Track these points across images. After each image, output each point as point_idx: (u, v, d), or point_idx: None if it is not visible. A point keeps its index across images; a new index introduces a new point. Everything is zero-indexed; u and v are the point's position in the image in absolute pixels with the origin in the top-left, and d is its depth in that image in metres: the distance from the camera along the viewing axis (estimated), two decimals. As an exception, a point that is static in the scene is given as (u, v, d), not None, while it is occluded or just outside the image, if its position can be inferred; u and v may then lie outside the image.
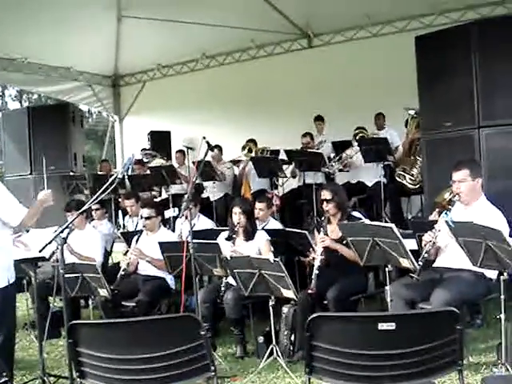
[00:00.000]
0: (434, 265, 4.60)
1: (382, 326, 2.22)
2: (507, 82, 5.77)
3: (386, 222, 6.71)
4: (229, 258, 4.72)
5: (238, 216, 5.39)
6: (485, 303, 5.05)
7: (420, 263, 4.24)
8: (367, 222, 4.76)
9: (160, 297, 5.80)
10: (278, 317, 4.94)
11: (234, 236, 5.37)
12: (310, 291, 4.75)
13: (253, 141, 8.96)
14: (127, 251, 5.95)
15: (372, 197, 7.60)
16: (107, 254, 7.31)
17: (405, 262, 4.21)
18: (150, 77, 12.49)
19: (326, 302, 4.81)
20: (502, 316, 3.76)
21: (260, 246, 5.39)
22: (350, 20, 9.56)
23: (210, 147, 5.01)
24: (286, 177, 8.36)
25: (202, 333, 2.41)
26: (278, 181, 8.52)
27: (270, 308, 4.63)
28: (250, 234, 5.42)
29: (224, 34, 9.60)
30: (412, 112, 7.12)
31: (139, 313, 5.34)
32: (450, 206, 4.54)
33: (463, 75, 5.98)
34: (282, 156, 8.68)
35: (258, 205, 5.98)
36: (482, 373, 4.16)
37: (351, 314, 2.80)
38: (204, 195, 8.68)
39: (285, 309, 4.99)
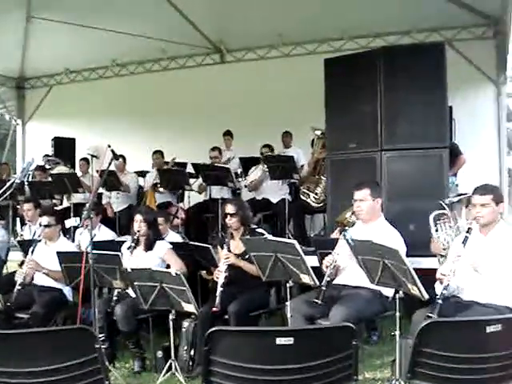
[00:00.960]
0: (334, 282, 4.69)
1: (280, 341, 2.22)
2: (409, 108, 6.02)
3: (289, 238, 6.79)
4: (129, 270, 4.60)
5: (138, 224, 5.27)
6: (381, 320, 5.19)
7: (323, 287, 4.29)
8: (270, 237, 4.77)
9: (56, 309, 5.51)
10: (179, 331, 4.87)
11: (134, 245, 5.24)
12: (214, 309, 4.69)
13: (160, 152, 8.84)
14: (23, 262, 5.67)
15: (276, 214, 7.70)
16: (2, 262, 6.95)
17: (305, 278, 4.25)
18: (57, 81, 12.05)
19: (227, 316, 4.78)
20: (397, 333, 3.86)
21: (162, 257, 5.30)
22: (263, 38, 9.70)
23: (115, 156, 4.89)
24: (193, 190, 8.30)
25: (97, 346, 2.32)
26: (184, 194, 8.46)
27: (170, 322, 4.55)
28: (150, 244, 5.32)
29: (136, 42, 9.45)
30: (318, 132, 7.27)
31: (33, 325, 5.07)
32: (350, 225, 4.68)
33: (369, 99, 6.18)
34: (190, 169, 8.64)
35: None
36: (377, 388, 4.25)
37: (249, 329, 2.78)
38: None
39: (185, 323, 4.91)
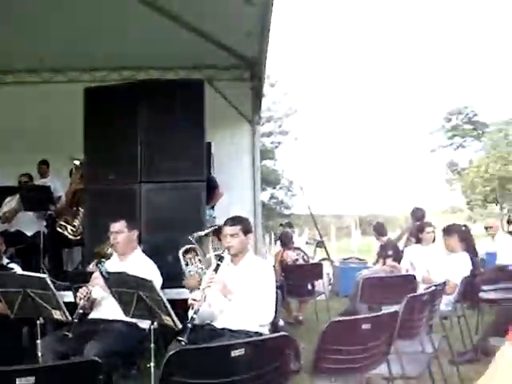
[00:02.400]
0: (90, 316, 4.55)
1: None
2: (169, 141, 6.15)
3: (43, 273, 6.43)
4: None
5: None
6: (141, 352, 5.12)
7: (75, 319, 4.12)
8: (20, 272, 4.46)
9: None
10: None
11: None
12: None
13: None
14: None
15: (31, 247, 7.25)
16: None
17: (57, 314, 4.04)
18: None
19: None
20: (152, 364, 3.84)
21: None
22: (23, 61, 9.18)
23: None
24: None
25: None
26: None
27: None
28: None
29: None
30: (77, 162, 7.06)
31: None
32: (107, 257, 4.60)
33: (129, 131, 6.20)
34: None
35: None
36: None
37: None
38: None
39: None
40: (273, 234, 22.65)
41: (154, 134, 6.16)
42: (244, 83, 9.19)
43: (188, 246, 4.82)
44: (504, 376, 1.84)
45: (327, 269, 11.61)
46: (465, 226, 6.99)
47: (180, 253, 4.79)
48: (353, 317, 2.98)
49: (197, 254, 4.78)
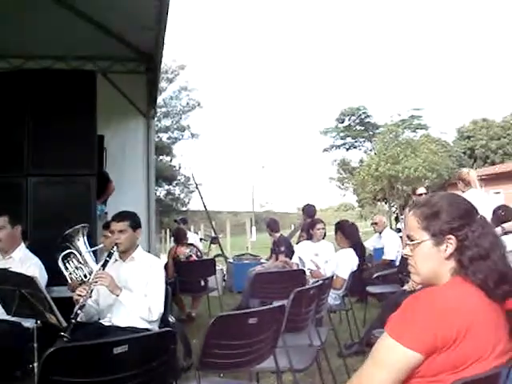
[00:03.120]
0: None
1: None
2: (58, 134, 5.92)
3: None
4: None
5: None
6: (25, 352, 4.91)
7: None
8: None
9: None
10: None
11: None
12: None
13: None
14: None
15: None
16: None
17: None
18: None
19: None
20: (35, 364, 3.69)
21: None
22: None
23: None
24: None
25: None
26: None
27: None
28: None
29: None
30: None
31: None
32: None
33: (16, 122, 5.92)
34: None
35: None
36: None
37: None
38: None
39: None
40: (168, 231, 22.52)
41: (43, 126, 5.91)
42: (139, 76, 9.03)
43: (65, 252, 4.63)
44: (371, 361, 1.92)
45: (221, 265, 11.68)
46: (352, 223, 7.24)
47: (59, 260, 4.60)
48: (239, 311, 3.00)
49: (74, 256, 4.62)
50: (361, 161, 42.89)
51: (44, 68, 7.85)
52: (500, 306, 1.94)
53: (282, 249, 8.71)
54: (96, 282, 3.87)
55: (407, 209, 2.38)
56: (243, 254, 12.38)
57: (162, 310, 4.03)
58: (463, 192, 6.28)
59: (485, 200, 6.70)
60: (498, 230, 5.59)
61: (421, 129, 39.55)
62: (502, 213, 5.84)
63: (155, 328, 3.99)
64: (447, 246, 1.96)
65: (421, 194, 7.37)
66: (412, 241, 2.04)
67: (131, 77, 8.98)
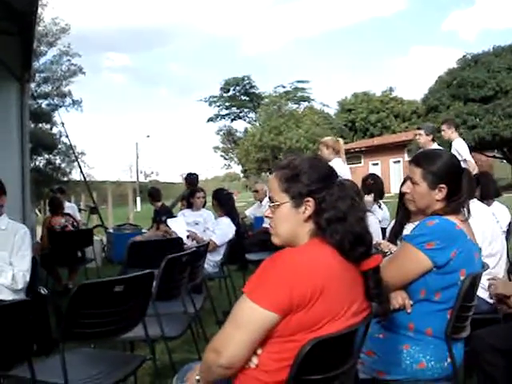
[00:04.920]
0: None
1: None
2: None
3: None
4: None
5: None
6: None
7: None
8: None
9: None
10: None
11: None
12: None
13: None
14: None
15: None
16: None
17: None
18: None
19: None
20: None
21: None
22: None
23: None
24: None
25: None
26: None
27: None
28: None
29: None
30: None
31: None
32: None
33: None
34: None
35: None
36: None
37: None
38: None
39: None
40: (48, 201, 21.61)
41: None
42: (13, 38, 8.48)
43: None
44: (230, 322, 1.93)
45: (101, 236, 11.42)
46: (228, 192, 7.29)
47: None
48: (104, 279, 2.92)
49: None
50: (245, 131, 43.25)
51: None
52: (356, 267, 1.99)
53: (163, 218, 8.63)
54: None
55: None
56: (123, 224, 12.16)
57: (27, 279, 3.86)
58: (329, 160, 6.47)
59: (348, 171, 6.96)
60: (369, 198, 5.83)
61: (304, 101, 40.45)
62: (371, 181, 6.08)
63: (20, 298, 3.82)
64: (306, 208, 1.99)
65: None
66: (273, 202, 2.06)
67: (3, 38, 8.43)
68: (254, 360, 1.92)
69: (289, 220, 2.01)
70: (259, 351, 1.91)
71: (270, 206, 2.08)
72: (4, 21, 8.31)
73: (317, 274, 1.87)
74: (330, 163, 2.47)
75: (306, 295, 1.83)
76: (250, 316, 1.86)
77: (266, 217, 2.11)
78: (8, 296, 3.81)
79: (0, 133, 8.34)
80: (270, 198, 2.09)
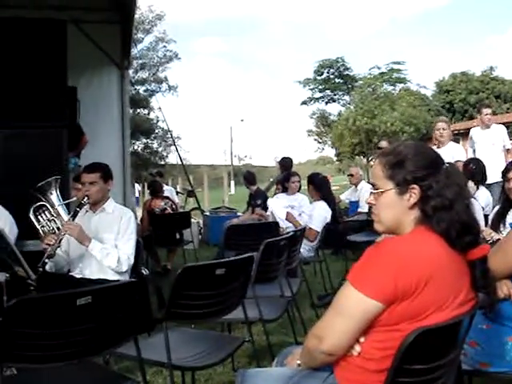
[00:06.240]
0: None
1: None
2: (26, 85, 5.72)
3: None
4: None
5: None
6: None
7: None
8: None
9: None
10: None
11: None
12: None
13: None
14: None
15: None
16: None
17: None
18: None
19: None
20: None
21: None
22: None
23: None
24: None
25: None
26: None
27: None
28: None
29: None
30: None
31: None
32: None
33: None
34: None
35: None
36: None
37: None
38: None
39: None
40: (146, 184, 22.40)
41: (11, 77, 5.71)
42: (113, 26, 8.82)
43: (37, 205, 4.56)
44: (333, 310, 1.93)
45: (198, 218, 11.70)
46: (323, 176, 7.23)
47: (30, 212, 4.54)
48: (206, 262, 3.00)
49: (46, 209, 4.56)
50: (339, 114, 42.72)
51: (10, 17, 7.59)
52: (462, 256, 1.94)
53: (259, 202, 8.72)
54: (65, 232, 3.84)
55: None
56: (219, 207, 12.39)
57: (131, 262, 4.03)
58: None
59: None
60: (471, 183, 5.64)
61: (400, 82, 39.34)
62: (473, 166, 5.87)
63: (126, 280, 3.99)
64: (411, 196, 1.95)
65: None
66: (376, 189, 2.03)
67: (105, 27, 8.77)
68: (357, 348, 1.91)
69: (393, 207, 1.98)
70: (362, 339, 1.91)
71: (372, 192, 2.05)
72: (106, 11, 8.65)
73: (423, 263, 1.83)
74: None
75: (412, 285, 1.80)
76: (353, 304, 1.85)
77: (369, 203, 2.08)
78: (112, 276, 3.99)
79: (103, 119, 8.70)
80: (372, 184, 2.07)
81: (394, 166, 1.98)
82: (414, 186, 1.94)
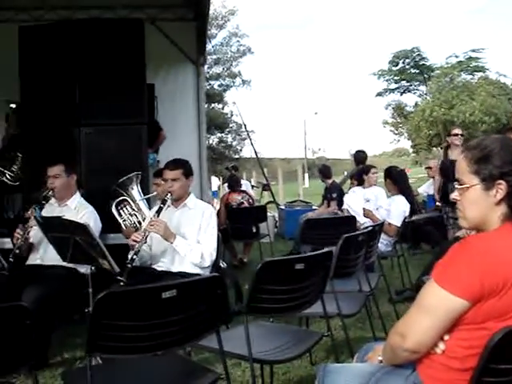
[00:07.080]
0: (28, 262, 4.50)
1: None
2: (107, 83, 5.94)
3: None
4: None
5: None
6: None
7: (10, 259, 4.04)
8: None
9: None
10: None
11: None
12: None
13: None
14: None
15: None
16: None
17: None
18: None
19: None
20: (91, 309, 3.81)
21: None
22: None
23: None
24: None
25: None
26: None
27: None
28: None
29: None
30: (14, 106, 6.80)
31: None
32: (47, 201, 4.50)
33: (66, 73, 5.95)
34: None
35: None
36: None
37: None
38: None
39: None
40: (221, 178, 22.70)
41: (92, 76, 5.92)
42: (188, 23, 8.93)
43: (119, 199, 4.72)
44: (417, 307, 1.91)
45: (273, 212, 11.74)
46: (401, 169, 7.07)
47: (113, 207, 4.69)
48: (286, 257, 3.02)
49: (127, 204, 4.71)
50: (415, 105, 41.74)
51: (91, 18, 7.85)
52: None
53: (334, 195, 8.68)
54: (151, 229, 3.95)
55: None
56: (295, 201, 12.41)
57: (214, 257, 4.10)
58: None
59: None
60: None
61: (478, 71, 37.98)
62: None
63: (207, 273, 4.07)
64: (497, 192, 1.89)
65: (456, 135, 7.04)
66: (461, 185, 1.98)
67: (180, 24, 8.89)
68: (441, 346, 1.88)
69: (478, 203, 1.93)
70: (446, 337, 1.87)
71: (457, 188, 2.01)
72: (181, 8, 8.79)
73: (510, 261, 1.78)
74: None
75: (499, 283, 1.75)
76: (438, 302, 1.82)
77: (453, 199, 2.04)
78: (192, 269, 4.07)
79: (179, 114, 8.85)
80: (457, 179, 2.01)
81: (479, 161, 1.92)
82: (501, 181, 1.88)
